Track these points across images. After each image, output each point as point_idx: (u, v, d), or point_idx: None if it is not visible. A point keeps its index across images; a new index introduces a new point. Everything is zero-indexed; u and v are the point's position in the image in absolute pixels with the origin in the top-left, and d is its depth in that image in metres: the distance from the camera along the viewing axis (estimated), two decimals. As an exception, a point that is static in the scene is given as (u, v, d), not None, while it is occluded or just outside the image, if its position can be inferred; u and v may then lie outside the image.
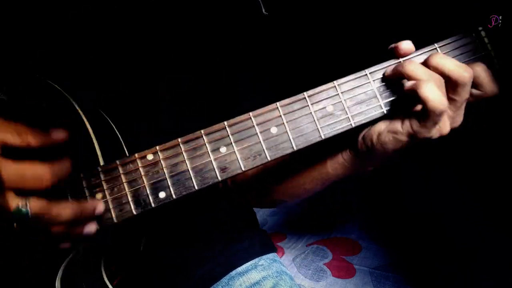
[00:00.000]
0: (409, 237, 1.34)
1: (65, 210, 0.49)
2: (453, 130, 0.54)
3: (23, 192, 0.46)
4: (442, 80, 0.51)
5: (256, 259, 0.88)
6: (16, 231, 0.49)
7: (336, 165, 0.64)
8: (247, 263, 0.86)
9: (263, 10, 0.85)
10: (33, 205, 0.46)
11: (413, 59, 0.54)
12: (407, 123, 0.53)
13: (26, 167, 0.46)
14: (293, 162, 0.71)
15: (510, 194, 1.29)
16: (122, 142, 0.63)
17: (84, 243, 0.58)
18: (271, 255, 0.92)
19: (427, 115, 0.50)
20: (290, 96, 0.55)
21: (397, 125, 0.54)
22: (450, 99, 0.51)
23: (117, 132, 0.63)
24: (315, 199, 1.68)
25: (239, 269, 0.85)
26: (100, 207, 0.53)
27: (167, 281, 0.83)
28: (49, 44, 0.73)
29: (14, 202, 0.45)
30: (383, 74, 0.55)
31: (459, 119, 0.54)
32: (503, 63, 0.53)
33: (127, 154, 0.61)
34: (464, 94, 0.51)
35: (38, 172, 0.47)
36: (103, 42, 0.75)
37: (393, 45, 0.55)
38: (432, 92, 0.49)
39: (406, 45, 0.54)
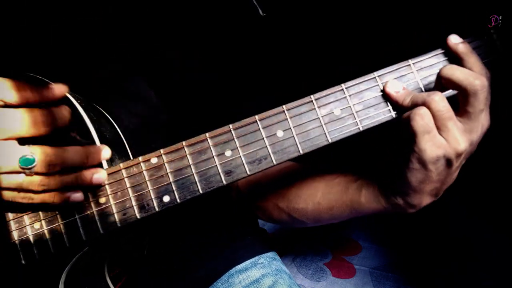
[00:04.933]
0: (409, 237, 1.34)
1: (70, 154, 0.49)
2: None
3: (27, 141, 0.47)
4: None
5: (256, 257, 0.87)
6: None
7: (369, 195, 0.62)
8: (247, 261, 0.86)
9: (260, 12, 0.84)
10: (38, 152, 0.46)
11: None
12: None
13: (25, 114, 0.46)
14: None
15: (508, 194, 1.29)
16: (126, 144, 0.62)
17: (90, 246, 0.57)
18: (271, 254, 0.91)
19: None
20: (295, 98, 0.54)
21: None
22: (464, 111, 0.50)
23: (121, 135, 0.62)
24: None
25: (239, 266, 0.85)
26: (106, 151, 0.54)
27: (167, 279, 0.83)
28: (39, 47, 0.72)
29: (19, 151, 0.46)
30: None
31: (478, 131, 0.51)
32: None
33: (131, 157, 0.60)
34: (477, 105, 0.49)
35: (37, 119, 0.46)
36: (92, 42, 0.74)
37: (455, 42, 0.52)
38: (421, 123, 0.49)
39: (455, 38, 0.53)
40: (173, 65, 0.79)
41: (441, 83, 0.51)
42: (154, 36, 0.77)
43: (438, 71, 0.51)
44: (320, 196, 0.69)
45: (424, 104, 0.49)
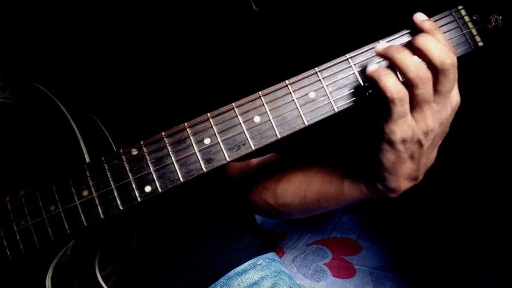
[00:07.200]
0: (409, 237, 1.34)
1: None
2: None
3: None
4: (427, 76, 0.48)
5: (255, 259, 0.87)
6: None
7: (351, 184, 0.62)
8: (245, 263, 0.86)
9: (254, 6, 0.85)
10: None
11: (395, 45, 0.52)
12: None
13: None
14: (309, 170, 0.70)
15: (508, 194, 1.28)
16: (110, 139, 0.63)
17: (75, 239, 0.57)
18: (269, 255, 0.91)
19: (388, 109, 0.49)
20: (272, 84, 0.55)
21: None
22: (435, 90, 0.50)
23: (104, 130, 0.63)
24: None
25: (238, 269, 0.85)
26: None
27: (165, 281, 0.82)
28: (37, 46, 0.74)
29: None
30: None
31: (447, 110, 0.51)
32: (487, 39, 0.54)
33: (115, 150, 0.61)
34: (447, 84, 0.48)
35: None
36: (91, 42, 0.76)
37: (422, 19, 0.52)
38: (390, 82, 0.48)
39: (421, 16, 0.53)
40: (168, 58, 0.80)
41: (412, 50, 0.50)
42: (152, 33, 0.79)
43: None
44: (305, 190, 0.69)
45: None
